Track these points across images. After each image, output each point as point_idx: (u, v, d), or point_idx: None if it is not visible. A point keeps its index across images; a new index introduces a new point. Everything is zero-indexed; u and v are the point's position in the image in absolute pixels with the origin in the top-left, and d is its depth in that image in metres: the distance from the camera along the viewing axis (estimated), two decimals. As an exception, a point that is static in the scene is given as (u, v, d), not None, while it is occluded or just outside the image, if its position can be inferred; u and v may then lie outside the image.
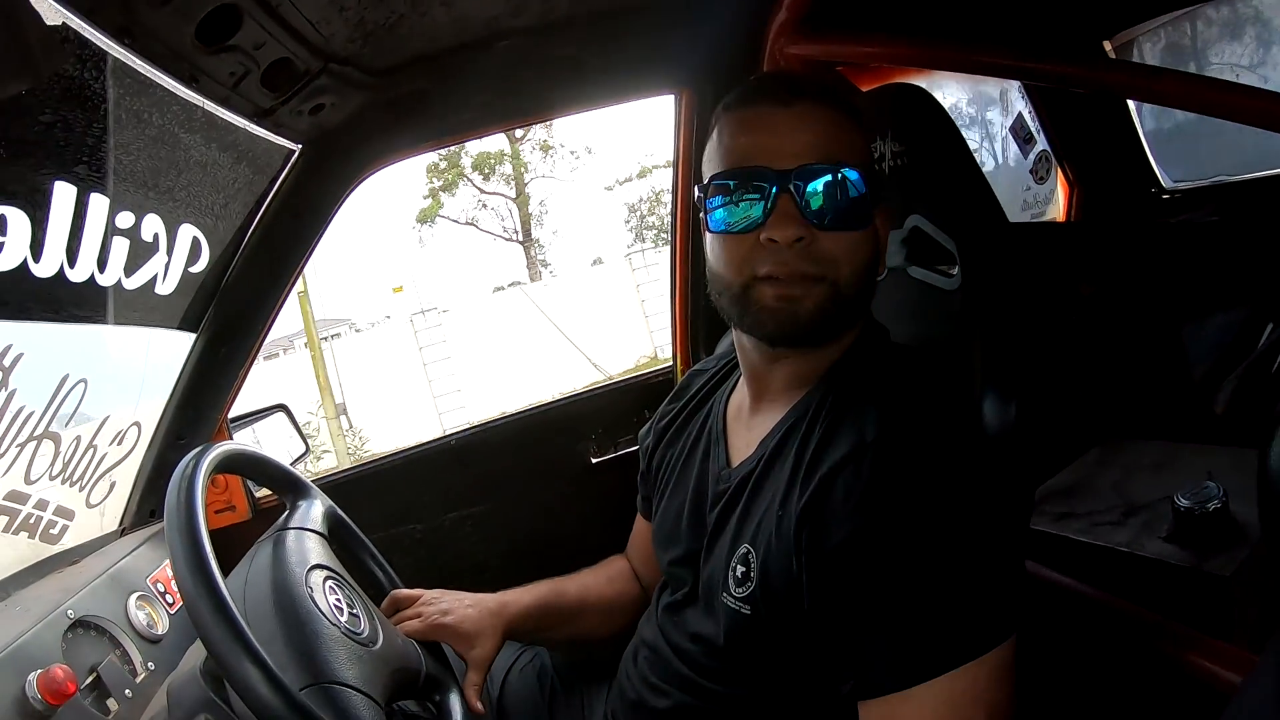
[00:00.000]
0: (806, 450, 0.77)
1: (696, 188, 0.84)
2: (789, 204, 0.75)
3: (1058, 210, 1.99)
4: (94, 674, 0.94)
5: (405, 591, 1.05)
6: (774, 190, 0.75)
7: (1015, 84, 1.98)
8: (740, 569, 0.80)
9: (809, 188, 0.75)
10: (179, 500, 0.77)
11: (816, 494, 0.72)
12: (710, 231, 0.82)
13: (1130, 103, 1.94)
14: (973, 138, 2.22)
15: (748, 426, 0.89)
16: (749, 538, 0.80)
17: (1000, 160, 2.08)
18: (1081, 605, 1.02)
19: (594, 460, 1.65)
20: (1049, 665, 1.01)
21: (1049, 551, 1.22)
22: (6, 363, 0.95)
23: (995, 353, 0.96)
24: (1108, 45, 1.92)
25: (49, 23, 0.77)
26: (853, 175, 0.76)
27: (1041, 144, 1.95)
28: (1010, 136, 2.01)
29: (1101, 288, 1.65)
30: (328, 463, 9.52)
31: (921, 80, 1.89)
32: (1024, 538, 0.82)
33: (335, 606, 0.85)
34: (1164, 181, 1.96)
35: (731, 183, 0.78)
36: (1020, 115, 1.97)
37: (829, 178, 0.75)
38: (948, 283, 1.06)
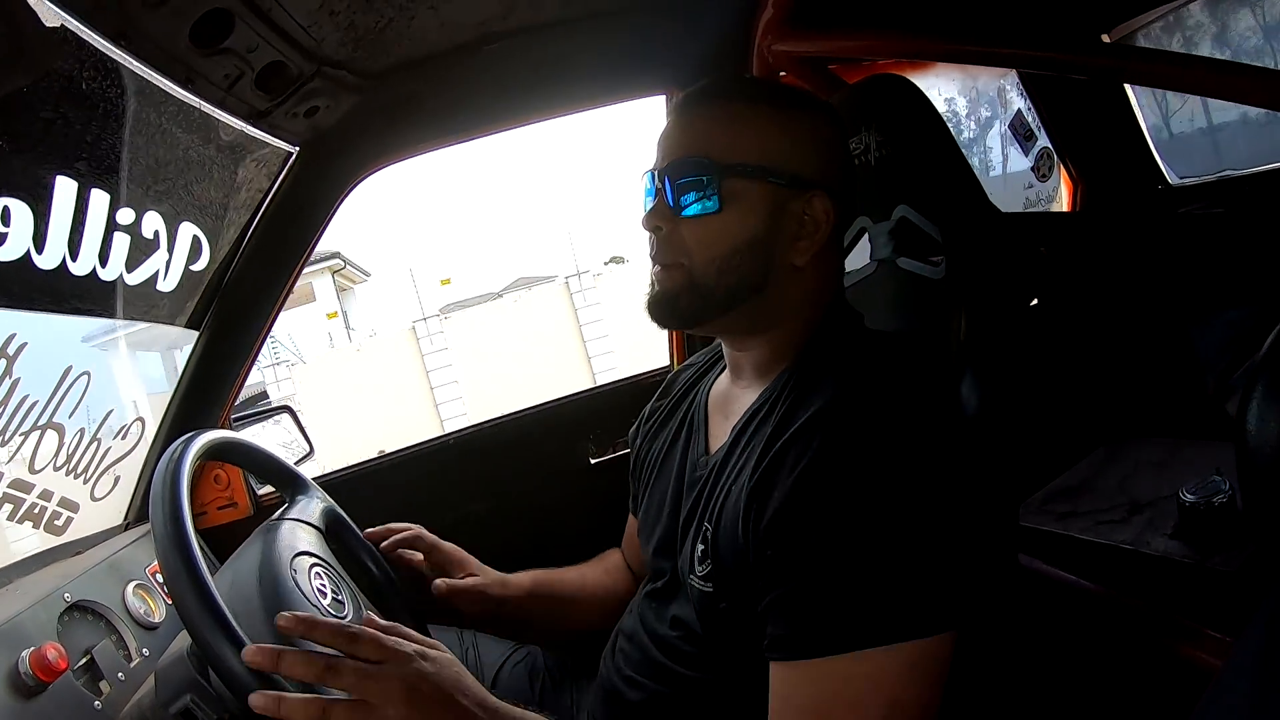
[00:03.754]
0: (767, 427, 0.78)
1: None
2: (660, 198, 0.83)
3: (1061, 208, 1.96)
4: (88, 655, 0.95)
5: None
6: (653, 188, 0.84)
7: (1013, 80, 1.97)
8: (700, 548, 0.81)
9: (667, 182, 0.82)
10: (164, 479, 0.79)
11: (768, 468, 0.73)
12: None
13: (1131, 98, 1.92)
14: (970, 135, 2.21)
15: (725, 414, 0.91)
16: (709, 516, 0.81)
17: (1001, 158, 2.07)
18: (1084, 601, 1.00)
19: (593, 460, 1.65)
20: (1053, 662, 1.00)
21: (1053, 550, 1.20)
22: (11, 350, 0.99)
23: (974, 332, 0.96)
24: (1106, 39, 1.90)
25: (48, 24, 0.82)
26: (702, 164, 0.80)
27: (1043, 141, 1.93)
28: (1010, 134, 1.99)
29: (1105, 282, 1.63)
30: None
31: (917, 78, 1.88)
32: (999, 532, 0.80)
33: (318, 590, 0.86)
34: (1169, 177, 1.93)
35: (644, 186, 0.87)
36: (1019, 112, 1.95)
37: (679, 171, 0.81)
38: (934, 272, 1.06)
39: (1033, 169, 1.97)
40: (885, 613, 0.64)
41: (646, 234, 0.86)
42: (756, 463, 0.75)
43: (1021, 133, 1.95)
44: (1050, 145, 1.92)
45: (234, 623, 0.69)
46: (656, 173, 0.83)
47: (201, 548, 0.75)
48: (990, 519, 0.76)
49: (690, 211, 0.81)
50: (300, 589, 0.84)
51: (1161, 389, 1.61)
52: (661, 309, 0.85)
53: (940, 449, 0.71)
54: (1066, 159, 1.90)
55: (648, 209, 0.84)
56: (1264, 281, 1.60)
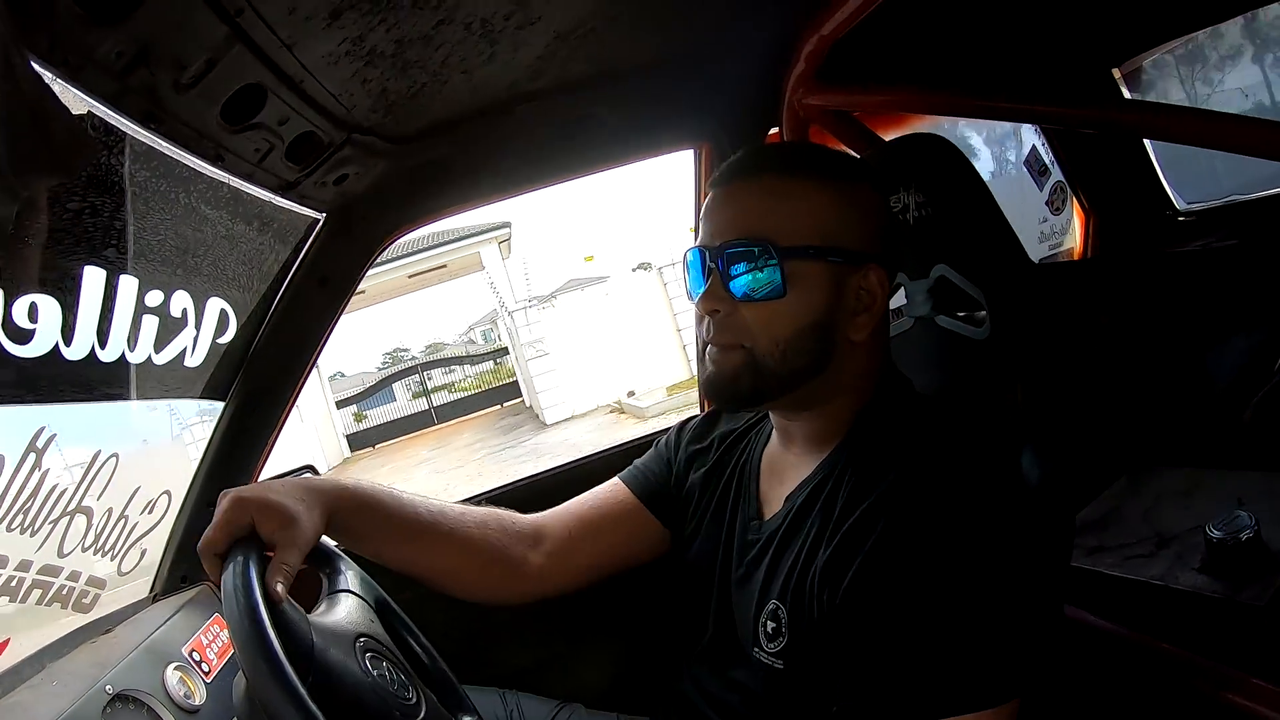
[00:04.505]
0: (835, 505, 0.78)
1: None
2: (715, 280, 0.82)
3: (1074, 239, 1.99)
4: None
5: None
6: (706, 269, 0.83)
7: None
8: (770, 625, 0.81)
9: (726, 266, 0.80)
10: (239, 600, 0.73)
11: (840, 545, 0.73)
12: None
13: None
14: (987, 173, 2.23)
15: (779, 480, 0.90)
16: (777, 593, 0.81)
17: (1015, 194, 2.09)
18: (1118, 646, 1.02)
19: None
20: (1087, 707, 1.01)
21: (1083, 586, 1.22)
22: (40, 444, 0.97)
23: (1036, 407, 0.96)
24: (1117, 73, 1.93)
25: (75, 112, 0.78)
26: (764, 247, 0.78)
27: (1056, 175, 1.96)
28: (1025, 170, 2.01)
29: (1122, 317, 1.65)
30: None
31: (946, 122, 1.89)
32: (1053, 598, 0.82)
33: (380, 675, 0.84)
34: (1178, 204, 1.96)
35: (691, 258, 0.87)
36: (1034, 148, 1.98)
37: (740, 255, 0.80)
38: (976, 332, 1.06)
39: (1047, 203, 2.00)
40: (959, 684, 0.66)
41: (699, 313, 0.85)
42: (826, 544, 0.75)
43: (1036, 168, 1.97)
44: (1063, 179, 1.95)
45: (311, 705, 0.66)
46: (707, 251, 0.82)
47: None
48: (1050, 584, 0.78)
49: (751, 295, 0.80)
50: (373, 677, 0.80)
51: (1179, 415, 1.64)
52: (722, 391, 0.84)
53: (1007, 522, 0.71)
54: (1079, 191, 1.93)
55: (702, 291, 0.83)
56: (1274, 306, 1.63)
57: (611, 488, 1.10)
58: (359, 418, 19.14)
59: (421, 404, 19.34)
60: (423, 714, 0.86)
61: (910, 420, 0.82)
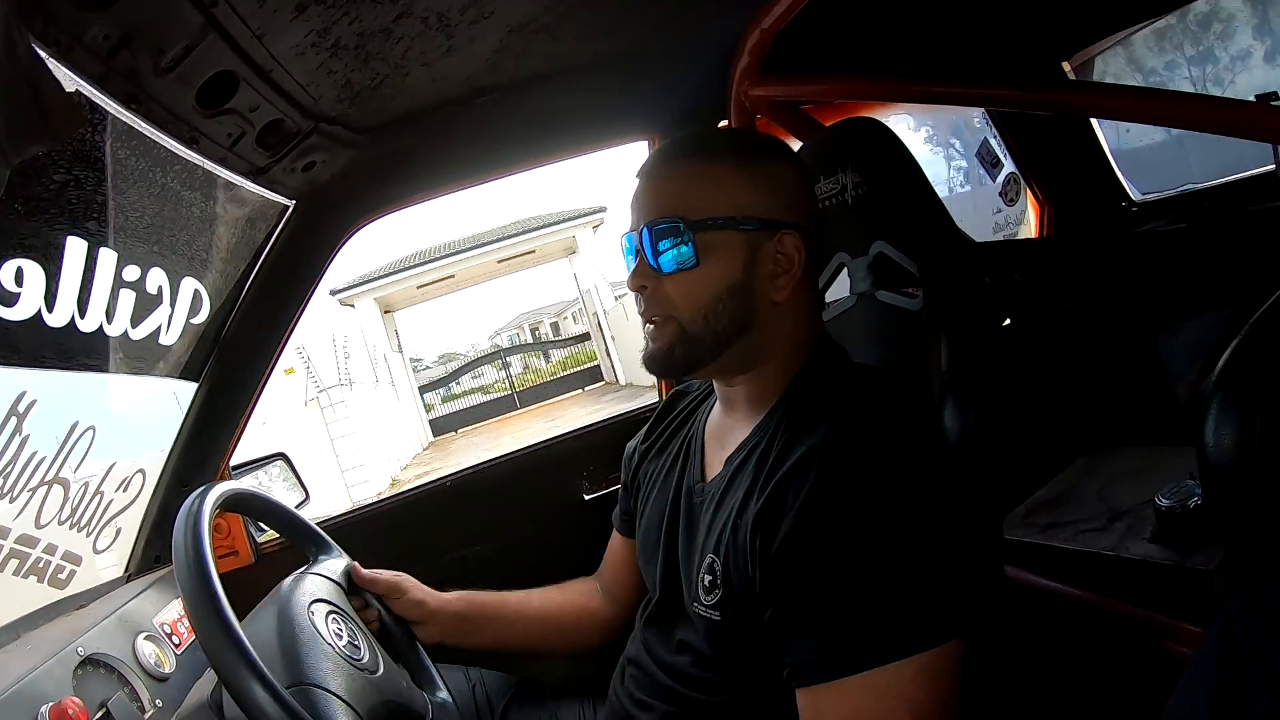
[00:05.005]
0: (766, 462, 0.82)
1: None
2: (641, 258, 0.89)
3: (1029, 230, 2.04)
4: (104, 709, 0.96)
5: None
6: (633, 248, 0.89)
7: (978, 112, 2.05)
8: (707, 578, 0.85)
9: (646, 243, 0.87)
10: (186, 525, 0.81)
11: (769, 500, 0.77)
12: None
13: (1093, 120, 2.01)
14: (939, 167, 2.29)
15: (721, 444, 0.95)
16: (713, 548, 0.85)
17: (967, 185, 2.14)
18: (1070, 607, 1.04)
19: (586, 497, 1.68)
20: (1043, 667, 1.03)
21: (1037, 561, 1.23)
22: (21, 409, 1.01)
23: (954, 361, 1.01)
24: (1067, 66, 1.99)
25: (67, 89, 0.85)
26: (675, 224, 0.85)
27: (1009, 166, 2.01)
28: (977, 161, 2.07)
29: (1076, 302, 1.69)
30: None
31: (889, 114, 1.96)
32: (986, 545, 0.87)
33: (334, 633, 0.89)
34: (1133, 194, 2.02)
35: (623, 247, 0.93)
36: (985, 140, 2.03)
37: (658, 233, 0.86)
38: (912, 304, 1.11)
39: (1000, 194, 2.05)
40: (902, 627, 0.69)
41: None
42: (758, 495, 0.79)
43: (988, 160, 2.03)
44: (1016, 170, 2.00)
45: (263, 666, 0.71)
46: (635, 234, 0.89)
47: None
48: (978, 534, 0.81)
49: (670, 268, 0.86)
50: (316, 629, 0.86)
51: (1135, 398, 1.67)
52: (659, 362, 0.90)
53: (929, 474, 0.75)
54: (1033, 182, 1.98)
55: (631, 269, 0.90)
56: (1228, 289, 1.67)
57: (614, 538, 1.22)
58: (447, 399, 19.93)
59: (502, 389, 19.99)
60: (380, 672, 0.90)
61: (840, 384, 0.87)
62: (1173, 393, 1.67)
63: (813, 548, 0.72)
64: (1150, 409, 1.65)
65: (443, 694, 1.03)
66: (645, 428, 1.15)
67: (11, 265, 0.91)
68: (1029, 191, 2.01)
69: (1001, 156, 2.01)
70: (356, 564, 1.10)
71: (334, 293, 14.54)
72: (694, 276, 0.86)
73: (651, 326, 0.90)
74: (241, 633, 0.72)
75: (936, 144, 2.28)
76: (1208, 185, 1.93)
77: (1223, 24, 2.07)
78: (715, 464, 0.93)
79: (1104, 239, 1.87)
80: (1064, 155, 2.00)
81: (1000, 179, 2.05)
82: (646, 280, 0.88)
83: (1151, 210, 2.00)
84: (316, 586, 0.96)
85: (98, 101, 0.88)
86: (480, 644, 1.15)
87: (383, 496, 1.69)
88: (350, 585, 1.06)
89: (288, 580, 0.97)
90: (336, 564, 1.06)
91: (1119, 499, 1.37)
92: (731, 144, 0.93)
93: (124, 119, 0.92)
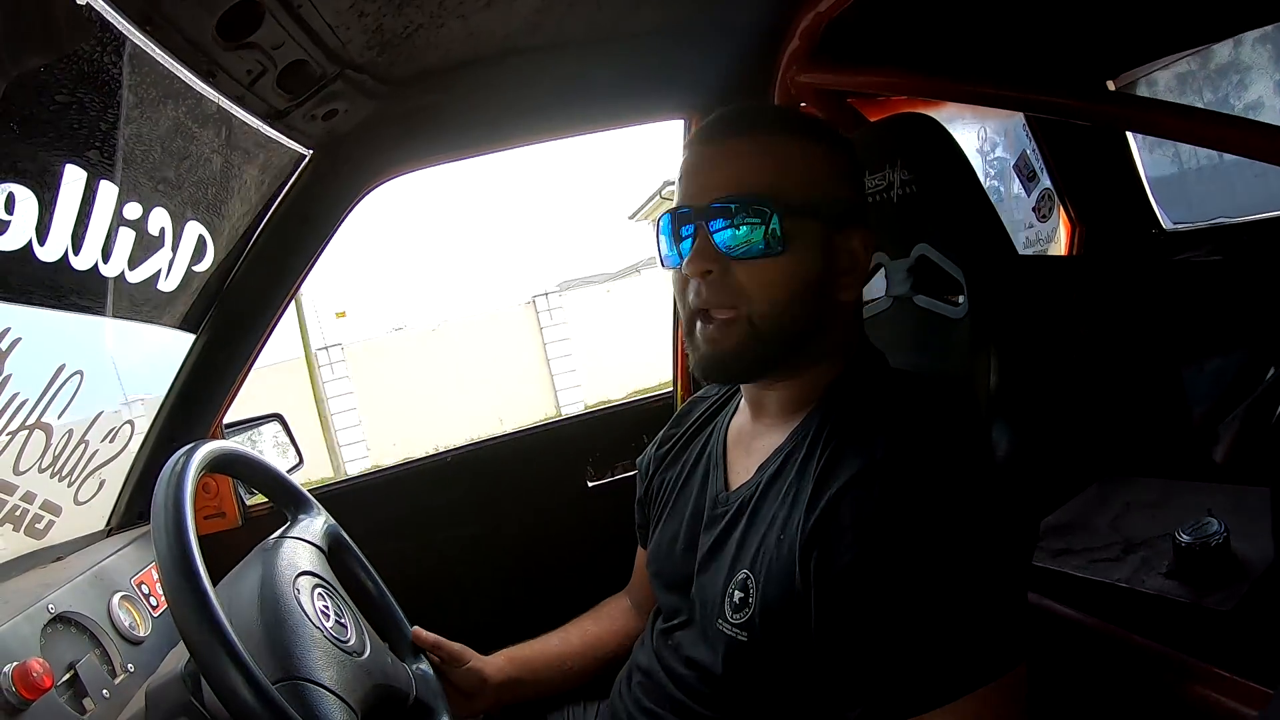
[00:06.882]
0: (808, 473, 0.76)
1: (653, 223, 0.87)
2: (703, 239, 0.77)
3: (1059, 249, 2.00)
4: (71, 671, 0.91)
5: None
6: (694, 228, 0.78)
7: (1020, 122, 2.01)
8: (738, 595, 0.78)
9: (717, 222, 0.77)
10: (168, 491, 0.76)
11: (823, 516, 0.71)
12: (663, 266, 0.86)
13: (1131, 143, 1.98)
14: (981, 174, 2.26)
15: (747, 451, 0.89)
16: (747, 563, 0.78)
17: (1002, 198, 2.11)
18: (1084, 637, 1.00)
19: (590, 484, 1.63)
20: (1053, 697, 1.00)
21: (1049, 586, 1.21)
22: (4, 345, 0.95)
23: (1007, 381, 0.96)
24: (1111, 85, 1.96)
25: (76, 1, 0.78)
26: (762, 204, 0.76)
27: (1045, 182, 1.97)
28: (1014, 174, 2.03)
29: (1102, 327, 1.66)
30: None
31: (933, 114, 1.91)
32: (1028, 567, 0.83)
33: (321, 611, 0.84)
34: (1164, 223, 1.99)
35: (665, 223, 0.83)
36: (1024, 153, 2.00)
37: (735, 210, 0.76)
38: (954, 311, 1.06)
39: (1034, 209, 2.01)
40: (982, 652, 0.65)
41: (682, 278, 0.81)
42: (806, 510, 0.73)
43: (1025, 173, 1.99)
44: (1051, 187, 1.97)
45: (240, 647, 0.65)
46: (696, 210, 0.78)
47: None
48: (1028, 556, 0.80)
49: (748, 253, 0.76)
50: (304, 610, 0.81)
51: (1153, 428, 1.64)
52: (726, 368, 0.81)
53: (990, 495, 0.71)
54: (1067, 201, 1.94)
55: (689, 252, 0.78)
56: (1255, 326, 1.64)
57: (640, 554, 1.14)
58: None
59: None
60: (367, 654, 0.85)
61: (886, 392, 0.81)
62: (1192, 427, 1.65)
63: (886, 575, 0.66)
64: (1167, 440, 1.63)
65: (423, 665, 1.00)
66: (659, 435, 1.09)
67: (2, 190, 0.85)
68: (1061, 209, 1.98)
69: (1038, 171, 1.98)
70: (419, 628, 1.03)
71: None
72: (777, 266, 0.76)
73: (709, 325, 0.79)
74: (223, 616, 0.66)
75: (978, 153, 2.24)
76: (1241, 220, 1.90)
77: (1240, 75, 2.08)
78: (742, 472, 0.87)
79: (1136, 264, 1.84)
80: (1100, 176, 1.96)
81: (1035, 194, 2.01)
82: (712, 264, 0.77)
83: (1181, 240, 1.98)
84: (301, 556, 0.90)
85: (109, 19, 0.81)
86: (530, 697, 1.09)
87: (378, 468, 1.64)
88: (332, 549, 0.99)
89: (269, 541, 0.91)
90: (317, 525, 0.99)
91: (1134, 530, 1.36)
92: (802, 122, 0.84)
93: (138, 42, 0.86)
